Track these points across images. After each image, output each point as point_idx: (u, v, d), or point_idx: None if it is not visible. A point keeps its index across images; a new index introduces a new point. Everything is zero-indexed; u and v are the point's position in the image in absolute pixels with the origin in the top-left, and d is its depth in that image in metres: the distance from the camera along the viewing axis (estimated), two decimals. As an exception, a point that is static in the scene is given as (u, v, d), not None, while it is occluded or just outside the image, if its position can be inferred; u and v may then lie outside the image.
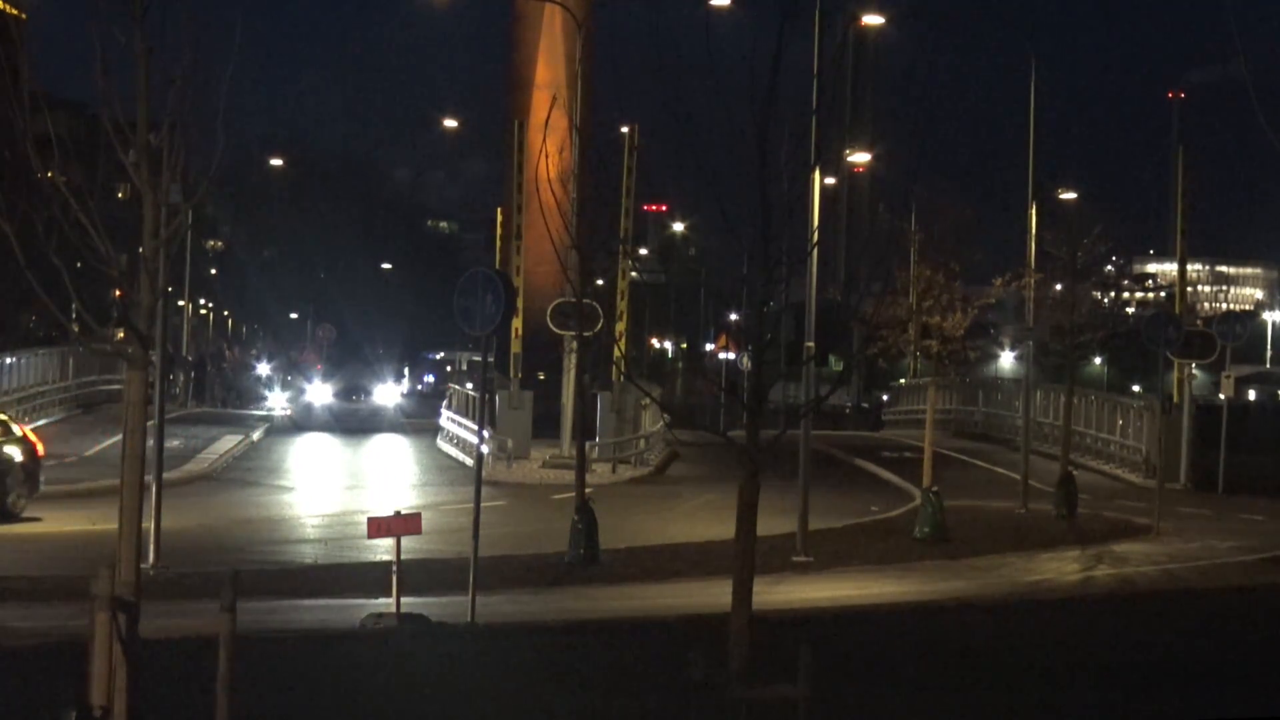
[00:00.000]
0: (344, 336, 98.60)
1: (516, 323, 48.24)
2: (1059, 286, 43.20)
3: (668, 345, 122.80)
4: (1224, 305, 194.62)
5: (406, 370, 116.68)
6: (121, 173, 13.89)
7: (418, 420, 67.33)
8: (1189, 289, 55.09)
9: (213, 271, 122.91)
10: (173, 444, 43.26)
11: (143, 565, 18.12)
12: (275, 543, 32.57)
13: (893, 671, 20.32)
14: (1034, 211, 43.01)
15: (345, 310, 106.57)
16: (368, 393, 69.32)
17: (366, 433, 61.13)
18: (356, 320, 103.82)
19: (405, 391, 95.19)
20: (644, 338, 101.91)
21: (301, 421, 64.79)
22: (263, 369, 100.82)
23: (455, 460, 50.72)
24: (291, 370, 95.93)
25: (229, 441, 52.17)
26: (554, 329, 45.68)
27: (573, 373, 44.46)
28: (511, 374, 51.33)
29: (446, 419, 56.03)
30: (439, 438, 56.09)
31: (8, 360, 52.49)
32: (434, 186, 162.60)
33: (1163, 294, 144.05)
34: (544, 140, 30.71)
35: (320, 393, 72.21)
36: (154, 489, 25.85)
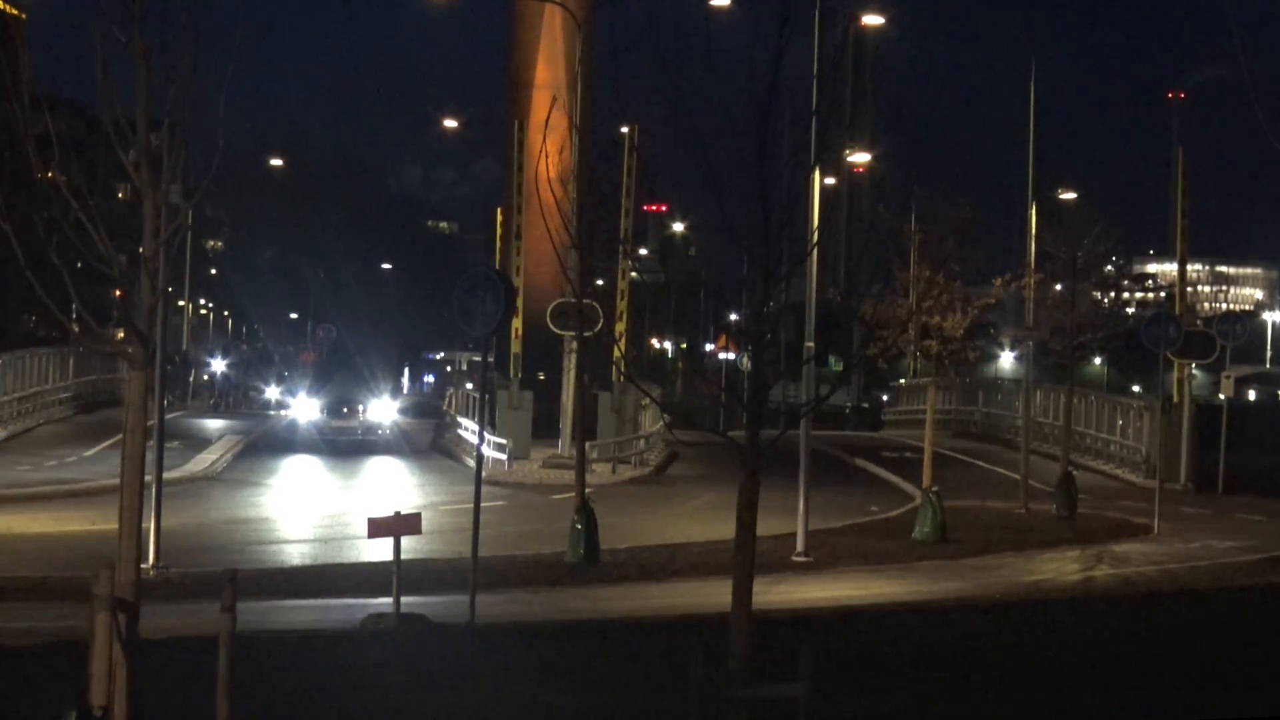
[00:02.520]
0: (340, 339, 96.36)
1: (516, 323, 48.25)
2: (1059, 286, 43.20)
3: (668, 345, 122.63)
4: (1224, 305, 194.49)
5: (406, 371, 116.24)
6: (121, 173, 13.87)
7: (416, 422, 66.97)
8: (1189, 289, 55.08)
9: (213, 271, 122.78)
10: (172, 444, 43.22)
11: (143, 565, 18.15)
12: (275, 543, 32.57)
13: (893, 671, 20.31)
14: (1034, 211, 43.01)
15: (344, 311, 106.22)
16: (361, 408, 61.80)
17: (358, 455, 53.50)
18: (355, 321, 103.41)
19: (405, 396, 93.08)
20: (644, 338, 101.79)
21: (284, 440, 57.30)
22: (218, 365, 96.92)
23: (455, 460, 50.67)
24: (248, 366, 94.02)
25: (223, 445, 52.09)
26: (554, 329, 45.68)
27: (573, 373, 44.44)
28: (511, 374, 51.33)
29: (446, 419, 55.92)
30: (438, 439, 56.01)
31: (8, 360, 52.45)
32: (435, 186, 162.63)
33: (1163, 294, 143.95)
34: (544, 140, 30.64)
35: (307, 408, 65.34)
36: (154, 489, 25.84)
